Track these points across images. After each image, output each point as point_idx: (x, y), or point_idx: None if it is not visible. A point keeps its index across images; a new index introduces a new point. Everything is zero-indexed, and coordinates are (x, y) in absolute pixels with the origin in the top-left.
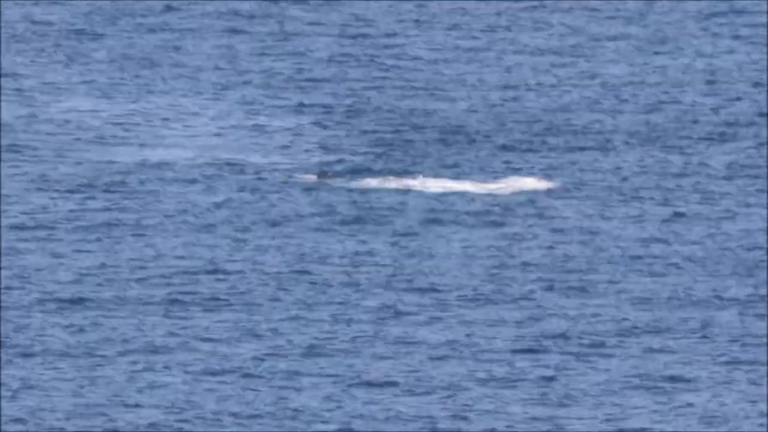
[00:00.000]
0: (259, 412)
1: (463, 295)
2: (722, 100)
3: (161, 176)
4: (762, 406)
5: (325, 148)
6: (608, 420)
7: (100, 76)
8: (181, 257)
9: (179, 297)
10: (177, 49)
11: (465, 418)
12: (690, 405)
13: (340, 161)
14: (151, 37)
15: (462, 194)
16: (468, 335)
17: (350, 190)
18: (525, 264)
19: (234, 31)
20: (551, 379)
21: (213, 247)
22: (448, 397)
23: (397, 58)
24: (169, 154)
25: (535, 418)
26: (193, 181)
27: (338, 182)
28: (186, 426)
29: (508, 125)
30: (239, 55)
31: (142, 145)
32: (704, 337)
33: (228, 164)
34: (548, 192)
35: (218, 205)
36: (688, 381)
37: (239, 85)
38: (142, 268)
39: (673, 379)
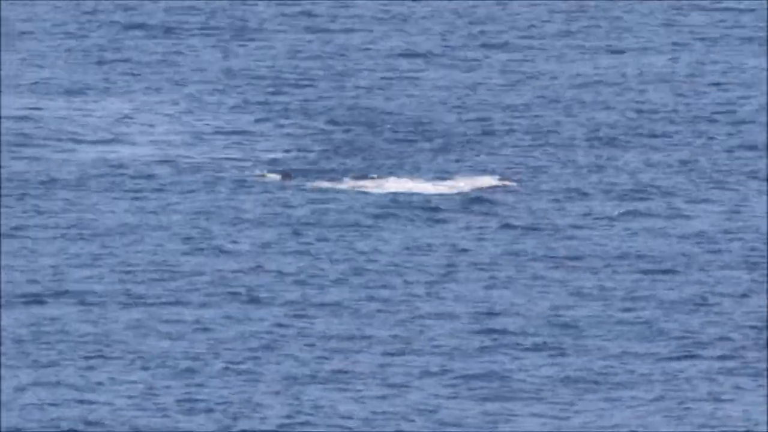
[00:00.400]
0: (212, 407)
1: (415, 293)
2: (681, 98)
3: (118, 174)
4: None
5: (281, 146)
6: (558, 417)
7: (59, 75)
8: (135, 255)
9: (132, 294)
10: (136, 47)
11: (417, 413)
12: (638, 401)
13: (296, 160)
14: (110, 36)
15: (417, 193)
16: (420, 331)
17: (306, 189)
18: (476, 263)
19: (194, 29)
20: (502, 375)
21: (167, 244)
22: (401, 393)
23: (355, 55)
24: (126, 152)
25: (487, 413)
26: (150, 179)
27: (297, 181)
28: (140, 421)
29: (466, 123)
30: (198, 52)
31: (99, 143)
32: (652, 333)
33: (185, 162)
34: (505, 189)
35: (174, 203)
36: (633, 378)
37: (197, 83)
38: (96, 266)
39: (617, 375)
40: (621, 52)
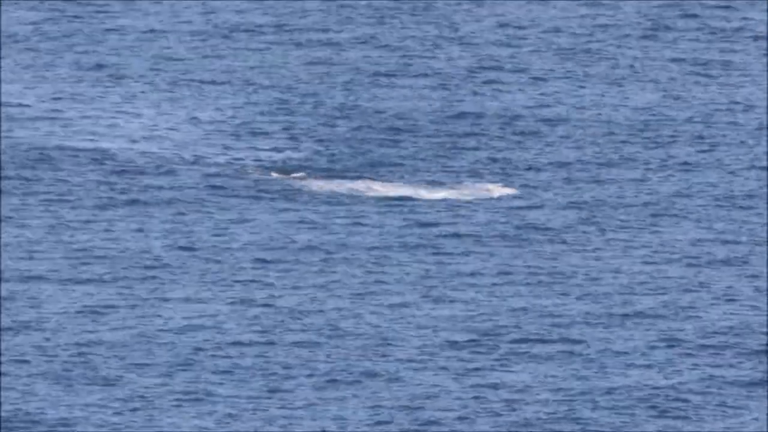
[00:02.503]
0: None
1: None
2: (677, 102)
3: (116, 172)
4: None
5: (276, 146)
6: (554, 421)
7: (57, 75)
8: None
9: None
10: (125, 46)
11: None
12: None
13: (290, 160)
14: (94, 35)
15: (409, 197)
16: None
17: (302, 190)
18: (469, 268)
19: (176, 29)
20: (492, 380)
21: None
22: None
23: (346, 54)
24: (121, 149)
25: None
26: (138, 173)
27: (293, 181)
28: None
29: (459, 126)
30: (181, 51)
31: (91, 137)
32: (649, 340)
33: (175, 157)
34: (507, 198)
35: (172, 200)
36: (630, 384)
37: (184, 81)
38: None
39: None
40: (611, 46)
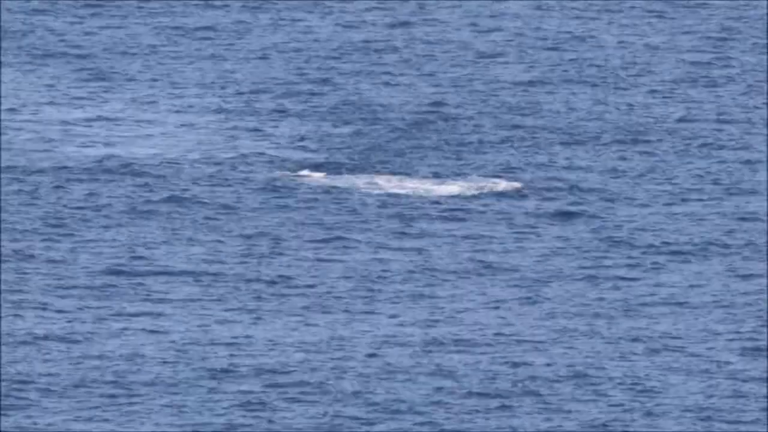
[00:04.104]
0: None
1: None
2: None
3: (134, 174)
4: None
5: (282, 143)
6: (564, 417)
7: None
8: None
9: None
10: (135, 51)
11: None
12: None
13: (301, 158)
14: (106, 39)
15: (418, 193)
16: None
17: (310, 188)
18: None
19: (184, 30)
20: (497, 372)
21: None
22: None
23: (352, 52)
24: (134, 152)
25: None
26: (158, 177)
27: (304, 179)
28: None
29: (473, 121)
30: (185, 53)
31: (106, 144)
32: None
33: (190, 160)
34: (514, 193)
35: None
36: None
37: (199, 82)
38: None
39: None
40: (627, 46)
